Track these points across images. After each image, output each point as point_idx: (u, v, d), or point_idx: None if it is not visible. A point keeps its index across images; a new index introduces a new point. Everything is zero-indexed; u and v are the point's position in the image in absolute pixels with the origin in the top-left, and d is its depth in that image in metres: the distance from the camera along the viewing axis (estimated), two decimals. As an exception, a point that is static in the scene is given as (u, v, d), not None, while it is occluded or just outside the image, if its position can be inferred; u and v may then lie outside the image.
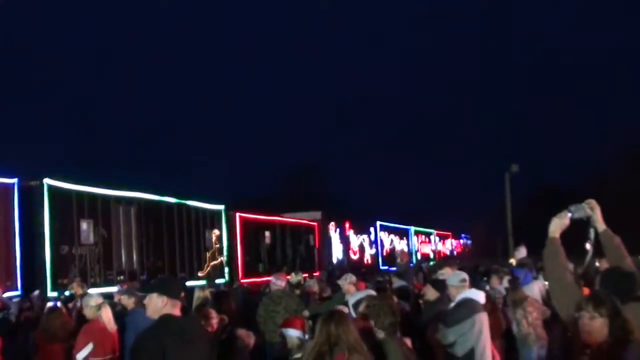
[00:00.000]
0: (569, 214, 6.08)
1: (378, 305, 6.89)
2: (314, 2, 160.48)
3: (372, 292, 8.00)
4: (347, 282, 12.42)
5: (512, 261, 20.96)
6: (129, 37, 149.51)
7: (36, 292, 17.01)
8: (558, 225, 6.01)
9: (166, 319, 5.83)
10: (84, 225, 20.38)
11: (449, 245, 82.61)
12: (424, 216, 76.89)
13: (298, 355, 7.56)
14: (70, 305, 13.50)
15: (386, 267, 44.70)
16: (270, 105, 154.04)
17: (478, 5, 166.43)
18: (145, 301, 6.10)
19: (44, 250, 18.81)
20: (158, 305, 5.88)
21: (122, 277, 21.20)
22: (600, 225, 6.15)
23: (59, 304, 12.65)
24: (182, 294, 6.53)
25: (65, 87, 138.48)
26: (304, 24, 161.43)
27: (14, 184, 18.53)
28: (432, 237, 72.06)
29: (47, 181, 19.25)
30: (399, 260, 21.27)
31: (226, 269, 28.39)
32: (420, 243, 65.90)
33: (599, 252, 6.37)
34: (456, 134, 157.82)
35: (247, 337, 8.59)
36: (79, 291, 14.36)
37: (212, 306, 10.52)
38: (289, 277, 20.54)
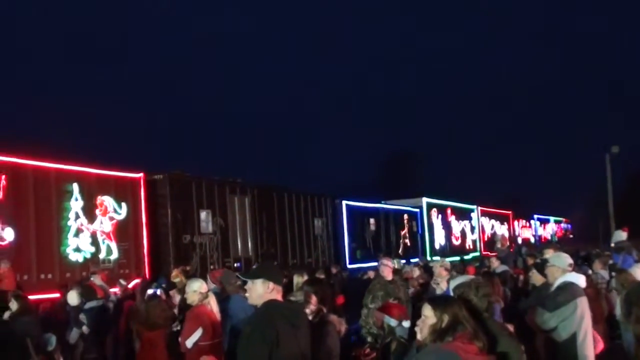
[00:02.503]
0: None
1: (476, 287, 6.48)
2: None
3: (477, 277, 7.47)
4: (440, 265, 12.54)
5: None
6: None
7: (138, 280, 17.16)
8: None
9: (274, 304, 5.82)
10: (203, 215, 21.53)
11: (550, 230, 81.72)
12: (525, 201, 76.58)
13: (387, 340, 7.88)
14: (171, 292, 13.68)
15: (487, 253, 44.86)
16: (372, 93, 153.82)
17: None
18: (248, 286, 6.06)
19: (168, 240, 20.06)
20: (263, 291, 5.87)
21: (237, 265, 22.21)
22: None
23: (158, 291, 12.59)
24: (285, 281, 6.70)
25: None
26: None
27: (140, 178, 19.78)
28: (532, 222, 71.52)
29: (169, 174, 20.44)
30: (499, 245, 21.08)
31: (333, 255, 29.19)
32: (521, 228, 65.57)
33: None
34: (558, 116, 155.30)
35: (339, 324, 8.25)
36: (182, 279, 14.36)
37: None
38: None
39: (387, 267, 12.66)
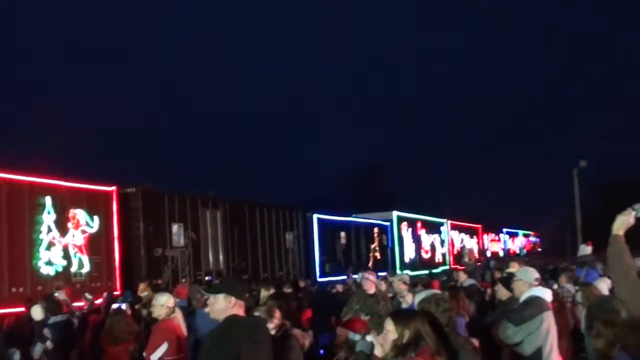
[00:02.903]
0: (634, 212, 5.75)
1: (436, 302, 6.57)
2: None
3: (439, 292, 7.37)
4: (398, 280, 12.51)
5: (581, 259, 21.02)
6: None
7: (104, 294, 17.16)
8: (622, 223, 5.70)
9: (235, 319, 5.76)
10: (175, 229, 21.58)
11: (518, 243, 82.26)
12: (494, 215, 76.98)
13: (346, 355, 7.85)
14: (136, 307, 13.58)
15: (456, 266, 45.10)
16: (339, 104, 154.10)
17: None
18: (210, 301, 6.00)
19: (140, 253, 20.12)
20: (225, 306, 5.83)
21: (208, 278, 22.24)
22: None
23: (123, 306, 12.48)
24: (247, 295, 6.63)
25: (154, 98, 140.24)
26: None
27: (112, 191, 19.81)
28: (501, 236, 71.94)
29: (142, 188, 20.50)
30: (466, 259, 21.08)
31: (304, 269, 29.31)
32: (490, 241, 65.95)
33: None
34: (524, 131, 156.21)
35: (303, 337, 8.22)
36: (149, 293, 14.49)
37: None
38: (356, 276, 21.27)
39: (369, 281, 12.58)
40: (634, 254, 14.71)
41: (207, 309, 6.59)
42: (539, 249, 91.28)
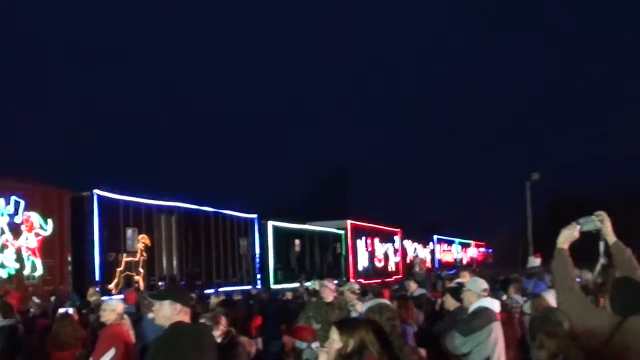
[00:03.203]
0: (578, 226, 5.93)
1: (380, 310, 6.68)
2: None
3: (385, 301, 7.49)
4: (347, 289, 12.55)
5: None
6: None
7: (52, 298, 17.15)
8: (567, 236, 5.87)
9: (180, 326, 5.69)
10: (129, 233, 21.52)
11: (470, 254, 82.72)
12: (447, 225, 77.33)
13: None
14: (84, 311, 13.47)
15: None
16: (296, 113, 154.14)
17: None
18: (155, 307, 5.92)
19: (94, 258, 19.98)
20: (170, 312, 5.76)
21: (161, 283, 22.22)
22: (611, 238, 5.99)
23: (70, 310, 12.25)
24: (192, 302, 6.48)
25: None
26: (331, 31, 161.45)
27: (66, 194, 19.72)
28: (454, 246, 72.29)
29: (96, 192, 20.41)
30: (417, 268, 21.13)
31: (258, 276, 29.37)
32: (443, 252, 66.28)
33: (610, 264, 6.17)
34: (480, 141, 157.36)
35: (249, 345, 8.19)
36: (98, 297, 14.40)
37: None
38: (308, 284, 21.32)
39: (328, 289, 12.51)
40: (580, 267, 14.89)
41: (151, 315, 6.60)
42: (490, 260, 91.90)
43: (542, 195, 66.92)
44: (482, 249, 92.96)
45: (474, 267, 54.27)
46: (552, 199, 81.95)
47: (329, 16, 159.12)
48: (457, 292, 9.44)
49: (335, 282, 15.03)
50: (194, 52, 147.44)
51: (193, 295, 18.27)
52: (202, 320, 7.65)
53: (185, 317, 5.82)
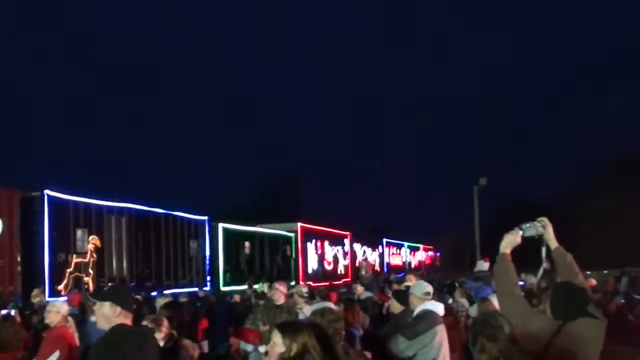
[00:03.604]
0: (521, 232, 6.05)
1: (322, 313, 6.72)
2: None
3: (329, 304, 7.55)
4: (295, 292, 12.63)
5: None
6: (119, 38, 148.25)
7: None
8: (509, 242, 6.00)
9: (121, 328, 5.59)
10: (79, 234, 21.38)
11: (419, 257, 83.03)
12: (396, 228, 77.65)
13: None
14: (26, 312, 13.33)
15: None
16: (249, 113, 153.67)
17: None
18: (96, 309, 5.84)
19: (43, 259, 19.80)
20: (110, 314, 5.65)
21: (111, 284, 22.10)
22: (553, 243, 6.12)
23: (12, 312, 12.13)
24: (134, 305, 6.35)
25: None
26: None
27: (16, 194, 19.56)
28: (403, 249, 72.51)
29: (47, 192, 20.26)
30: (363, 272, 21.04)
31: (208, 278, 29.36)
32: (392, 255, 66.50)
33: (552, 269, 6.47)
34: (429, 146, 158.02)
35: (192, 349, 8.16)
36: (42, 299, 14.26)
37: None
38: (256, 286, 21.34)
39: (279, 291, 12.52)
40: (525, 272, 15.02)
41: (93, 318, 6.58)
42: (438, 263, 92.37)
43: (491, 200, 67.37)
44: (430, 253, 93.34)
45: (422, 271, 54.50)
46: (500, 204, 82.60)
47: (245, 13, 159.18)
48: (401, 295, 9.45)
49: (292, 284, 15.08)
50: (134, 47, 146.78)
51: (140, 297, 18.28)
52: (144, 323, 7.54)
53: (126, 320, 5.73)
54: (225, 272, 30.76)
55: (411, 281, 10.98)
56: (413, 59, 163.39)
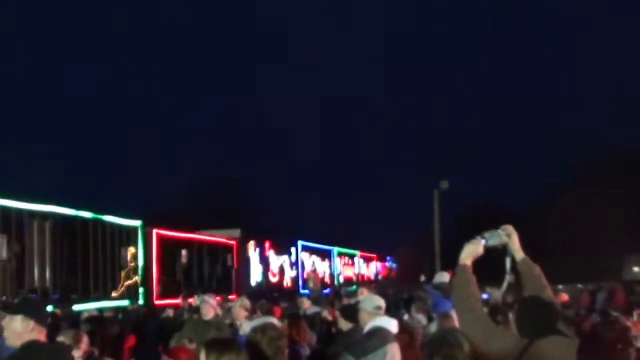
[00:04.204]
0: (483, 241, 5.96)
1: (263, 330, 6.68)
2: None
3: (271, 319, 7.57)
4: (239, 305, 12.74)
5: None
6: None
7: None
8: (470, 252, 5.90)
9: (34, 345, 5.30)
10: (-2, 240, 21.21)
11: (373, 269, 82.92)
12: (349, 236, 77.64)
13: None
14: None
15: (307, 291, 45.17)
16: (185, 110, 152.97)
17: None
18: (5, 323, 5.78)
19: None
20: (22, 329, 5.60)
21: (33, 296, 21.93)
22: (519, 254, 6.04)
23: None
24: (49, 320, 6.37)
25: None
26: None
27: None
28: (355, 260, 72.37)
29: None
30: (311, 284, 20.76)
31: (141, 290, 29.23)
32: (343, 265, 66.32)
33: (518, 282, 6.25)
34: (385, 147, 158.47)
35: None
36: None
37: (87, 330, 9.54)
38: (191, 300, 21.34)
39: (208, 305, 12.54)
40: (489, 285, 15.13)
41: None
42: (393, 275, 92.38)
43: (451, 207, 67.78)
44: (386, 264, 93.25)
45: (373, 284, 54.43)
46: (463, 210, 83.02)
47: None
48: (349, 311, 9.51)
49: (231, 297, 14.99)
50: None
51: (57, 310, 18.22)
52: (61, 339, 7.52)
53: (40, 336, 5.64)
54: (159, 283, 30.56)
55: (363, 294, 11.23)
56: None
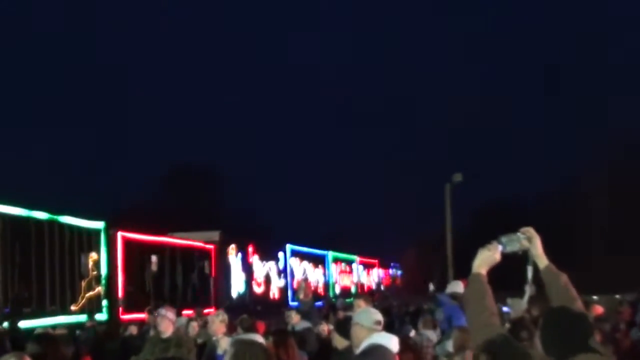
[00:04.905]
0: (500, 247, 5.81)
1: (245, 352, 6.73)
2: None
3: (255, 337, 7.55)
4: (219, 320, 12.80)
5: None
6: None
7: None
8: (485, 259, 5.78)
9: None
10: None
11: (375, 277, 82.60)
12: (346, 239, 77.55)
13: None
14: None
15: (296, 303, 44.77)
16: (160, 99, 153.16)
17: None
18: None
19: None
20: None
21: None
22: (541, 261, 5.92)
23: None
24: None
25: None
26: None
27: None
28: (354, 266, 72.09)
29: None
30: (301, 295, 20.29)
31: (104, 303, 29.24)
32: (339, 273, 66.04)
33: (541, 294, 6.11)
34: (389, 137, 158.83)
35: None
36: None
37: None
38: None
39: (166, 319, 12.53)
40: (511, 296, 15.17)
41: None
42: (399, 284, 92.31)
43: (466, 204, 67.77)
44: (390, 271, 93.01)
45: (374, 295, 54.30)
46: (479, 208, 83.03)
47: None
48: (346, 326, 9.36)
49: (208, 311, 14.94)
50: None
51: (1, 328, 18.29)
52: None
53: None
54: (125, 295, 30.47)
55: (360, 307, 11.12)
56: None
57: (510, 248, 5.80)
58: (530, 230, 5.92)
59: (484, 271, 5.75)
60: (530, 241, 5.86)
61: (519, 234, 5.87)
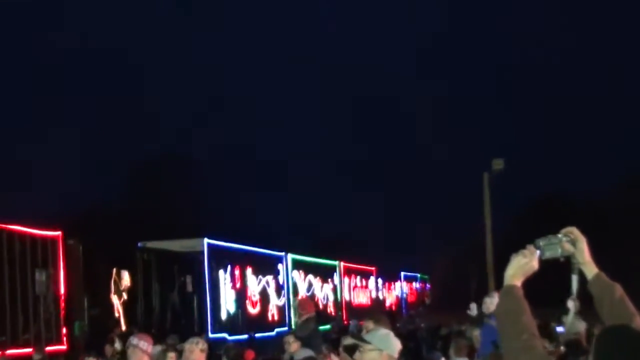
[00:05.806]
0: (538, 252, 5.58)
1: None
2: None
3: None
4: (199, 348, 12.71)
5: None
6: None
7: None
8: (520, 268, 5.54)
9: None
10: None
11: (397, 292, 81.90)
12: (358, 247, 77.48)
13: None
14: None
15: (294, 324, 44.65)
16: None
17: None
18: None
19: None
20: None
21: None
22: (590, 269, 5.75)
23: None
24: None
25: None
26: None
27: None
28: (371, 280, 71.42)
29: None
30: (300, 310, 19.83)
31: (63, 330, 28.99)
32: (353, 288, 65.62)
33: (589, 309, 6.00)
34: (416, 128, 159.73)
35: None
36: None
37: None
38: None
39: (140, 351, 12.65)
40: (559, 313, 15.23)
41: None
42: (426, 300, 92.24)
43: (510, 201, 67.77)
44: (415, 284, 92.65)
45: (393, 313, 54.05)
46: (527, 203, 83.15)
47: None
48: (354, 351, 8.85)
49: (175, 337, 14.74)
50: None
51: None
52: None
53: None
54: (90, 320, 30.29)
55: (369, 329, 11.04)
56: None
57: (550, 253, 5.60)
58: (575, 231, 5.72)
59: (519, 282, 5.50)
60: (574, 245, 5.65)
61: (560, 235, 5.67)
